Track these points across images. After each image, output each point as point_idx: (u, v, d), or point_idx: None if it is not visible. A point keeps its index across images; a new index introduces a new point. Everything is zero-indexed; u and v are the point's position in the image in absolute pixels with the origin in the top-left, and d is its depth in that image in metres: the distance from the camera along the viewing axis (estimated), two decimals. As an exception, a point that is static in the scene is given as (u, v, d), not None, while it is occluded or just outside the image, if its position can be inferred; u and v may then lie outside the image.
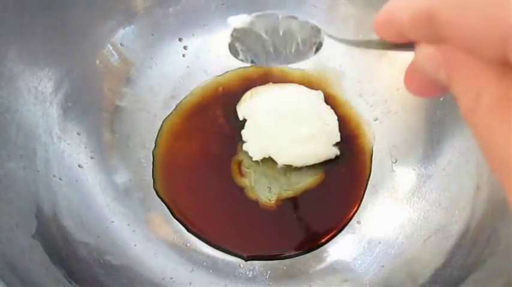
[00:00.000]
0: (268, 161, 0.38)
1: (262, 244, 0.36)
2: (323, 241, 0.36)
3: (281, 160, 0.37)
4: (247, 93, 0.40)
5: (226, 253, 0.36)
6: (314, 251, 0.36)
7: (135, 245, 0.35)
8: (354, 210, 0.37)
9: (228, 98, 0.41)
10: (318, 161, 0.38)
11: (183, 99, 0.42)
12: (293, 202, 0.38)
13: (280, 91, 0.39)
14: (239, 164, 0.39)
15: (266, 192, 0.38)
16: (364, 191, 0.38)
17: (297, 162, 0.38)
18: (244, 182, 0.38)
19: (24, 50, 0.33)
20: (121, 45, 0.40)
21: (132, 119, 0.40)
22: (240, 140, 0.39)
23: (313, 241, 0.36)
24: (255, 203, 0.37)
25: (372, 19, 0.17)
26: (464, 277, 0.28)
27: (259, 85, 0.40)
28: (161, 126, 0.40)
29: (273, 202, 0.37)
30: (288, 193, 0.38)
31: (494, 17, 0.12)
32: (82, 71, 0.37)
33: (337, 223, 0.37)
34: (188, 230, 0.36)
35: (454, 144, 0.35)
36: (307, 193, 0.38)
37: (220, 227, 0.37)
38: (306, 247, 0.36)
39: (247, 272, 0.35)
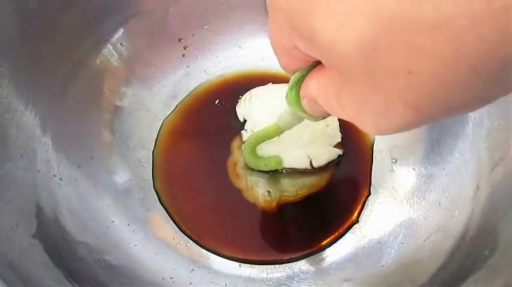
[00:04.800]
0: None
1: (260, 250, 0.36)
2: (323, 245, 0.36)
3: (283, 164, 0.37)
4: (247, 94, 0.40)
5: (223, 257, 0.36)
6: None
7: (135, 245, 0.35)
8: (357, 213, 0.37)
9: (228, 99, 0.41)
10: (320, 165, 0.37)
11: (183, 99, 0.42)
12: (293, 206, 0.37)
13: (280, 91, 0.39)
14: (237, 165, 0.39)
15: (265, 195, 0.38)
16: (367, 194, 0.38)
17: (299, 165, 0.37)
18: (240, 184, 0.38)
19: (23, 51, 0.33)
20: (121, 45, 0.40)
21: (132, 119, 0.40)
22: (240, 141, 0.39)
23: (313, 246, 0.36)
24: (254, 206, 0.37)
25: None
26: (464, 277, 0.28)
27: (259, 86, 0.40)
28: (161, 126, 0.40)
29: (272, 205, 0.37)
30: (288, 196, 0.38)
31: None
32: (82, 71, 0.37)
33: (339, 227, 0.37)
34: (186, 234, 0.36)
35: (454, 144, 0.35)
36: (307, 195, 0.38)
37: (218, 231, 0.37)
38: (305, 252, 0.36)
39: (247, 272, 0.35)
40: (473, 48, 0.13)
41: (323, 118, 0.24)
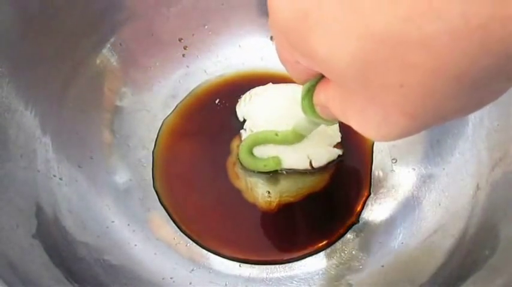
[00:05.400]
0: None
1: (260, 250, 0.36)
2: (323, 245, 0.36)
3: (282, 164, 0.37)
4: (247, 94, 0.40)
5: (223, 257, 0.36)
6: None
7: (135, 245, 0.35)
8: (357, 213, 0.37)
9: (228, 98, 0.41)
10: (320, 165, 0.37)
11: (183, 99, 0.42)
12: (293, 206, 0.37)
13: (280, 91, 0.39)
14: (236, 165, 0.39)
15: (265, 195, 0.38)
16: (367, 194, 0.38)
17: (298, 166, 0.37)
18: (240, 184, 0.38)
19: (23, 51, 0.33)
20: (121, 45, 0.40)
21: (132, 119, 0.40)
22: (239, 141, 0.39)
23: (313, 246, 0.36)
24: (254, 207, 0.37)
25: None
26: (464, 277, 0.28)
27: (259, 85, 0.40)
28: (161, 126, 0.40)
29: (272, 205, 0.37)
30: (288, 197, 0.38)
31: None
32: (82, 71, 0.37)
33: (339, 227, 0.37)
34: (186, 234, 0.36)
35: (454, 144, 0.35)
36: (307, 196, 0.38)
37: (218, 231, 0.37)
38: (305, 252, 0.36)
39: (247, 272, 0.35)
40: (456, 61, 0.14)
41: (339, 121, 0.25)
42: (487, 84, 0.15)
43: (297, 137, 0.35)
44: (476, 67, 0.14)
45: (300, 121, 0.31)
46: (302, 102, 0.24)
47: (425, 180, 0.36)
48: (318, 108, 0.24)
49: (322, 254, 0.36)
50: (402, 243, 0.35)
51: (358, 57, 0.15)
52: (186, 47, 0.42)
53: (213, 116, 0.41)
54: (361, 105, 0.18)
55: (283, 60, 0.21)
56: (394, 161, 0.39)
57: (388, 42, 0.14)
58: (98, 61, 0.38)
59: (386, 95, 0.16)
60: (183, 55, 0.43)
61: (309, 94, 0.23)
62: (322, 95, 0.22)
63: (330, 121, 0.25)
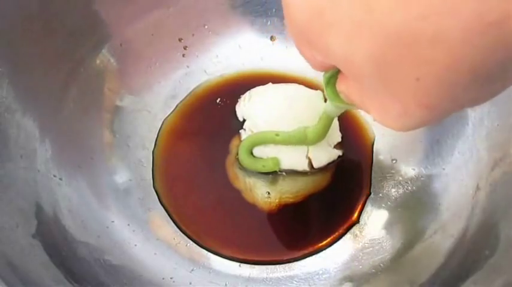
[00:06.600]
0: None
1: (260, 250, 0.36)
2: (323, 245, 0.36)
3: (281, 165, 0.37)
4: (247, 94, 0.40)
5: (223, 257, 0.36)
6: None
7: (135, 245, 0.35)
8: (357, 213, 0.37)
9: (228, 98, 0.41)
10: (320, 166, 0.37)
11: (183, 99, 0.42)
12: (293, 206, 0.37)
13: (280, 91, 0.39)
14: (235, 165, 0.39)
15: (264, 196, 0.38)
16: (368, 194, 0.38)
17: (297, 167, 0.37)
18: (239, 184, 0.38)
19: (23, 51, 0.33)
20: (121, 45, 0.40)
21: (132, 119, 0.40)
22: (239, 141, 0.39)
23: (313, 246, 0.36)
24: (254, 207, 0.37)
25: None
26: (464, 277, 0.28)
27: (258, 85, 0.40)
28: (161, 126, 0.40)
29: (272, 205, 0.37)
30: (288, 197, 0.38)
31: None
32: (82, 71, 0.37)
33: (339, 227, 0.37)
34: (186, 234, 0.36)
35: (454, 144, 0.35)
36: (307, 196, 0.38)
37: (218, 231, 0.37)
38: (305, 252, 0.36)
39: (247, 272, 0.35)
40: (470, 55, 0.14)
41: None
42: (501, 75, 0.15)
43: (300, 139, 0.35)
44: (489, 61, 0.14)
45: (327, 105, 0.31)
46: (326, 89, 0.25)
47: (425, 180, 0.36)
48: (342, 95, 0.24)
49: (322, 254, 0.36)
50: (402, 243, 0.34)
51: (374, 55, 0.16)
52: (186, 47, 0.42)
53: (213, 116, 0.41)
54: (379, 99, 0.19)
55: (302, 54, 0.22)
56: (394, 161, 0.39)
57: (404, 40, 0.15)
58: (98, 61, 0.38)
59: (403, 89, 0.17)
60: (183, 55, 0.43)
61: (331, 82, 0.24)
62: (343, 86, 0.23)
63: (355, 106, 0.25)
